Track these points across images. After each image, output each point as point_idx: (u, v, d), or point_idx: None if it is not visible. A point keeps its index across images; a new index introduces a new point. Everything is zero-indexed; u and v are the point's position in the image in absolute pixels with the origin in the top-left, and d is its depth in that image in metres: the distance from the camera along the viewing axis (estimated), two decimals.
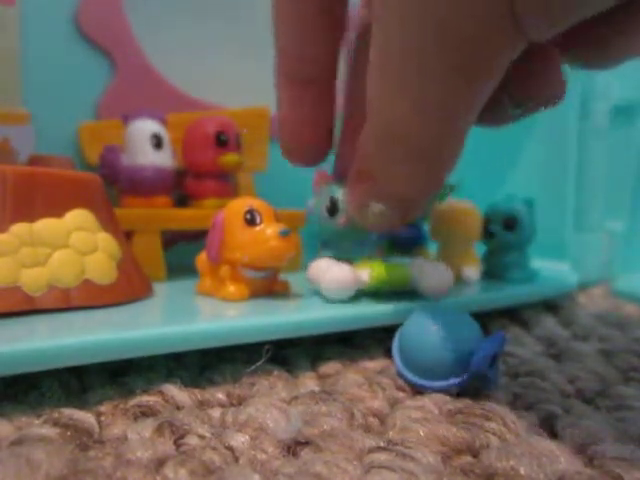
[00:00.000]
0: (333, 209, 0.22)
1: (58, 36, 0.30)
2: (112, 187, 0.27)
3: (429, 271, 0.22)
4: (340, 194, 0.22)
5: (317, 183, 0.23)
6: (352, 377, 0.18)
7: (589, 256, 0.37)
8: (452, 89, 0.15)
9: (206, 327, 0.17)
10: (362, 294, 0.22)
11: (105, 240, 0.20)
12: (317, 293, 0.22)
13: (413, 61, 0.15)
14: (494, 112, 0.19)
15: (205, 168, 0.28)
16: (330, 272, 0.21)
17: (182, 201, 0.30)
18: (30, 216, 0.19)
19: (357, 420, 0.15)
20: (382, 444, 0.14)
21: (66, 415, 0.14)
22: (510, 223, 0.27)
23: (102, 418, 0.15)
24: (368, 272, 0.21)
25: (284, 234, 0.21)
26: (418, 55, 0.15)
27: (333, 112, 0.22)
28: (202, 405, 0.16)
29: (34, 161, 0.25)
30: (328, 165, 0.23)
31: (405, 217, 0.19)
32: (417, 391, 0.18)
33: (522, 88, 0.18)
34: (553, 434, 0.15)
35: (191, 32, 0.34)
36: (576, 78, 0.35)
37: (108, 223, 0.21)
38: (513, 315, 0.27)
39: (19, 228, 0.18)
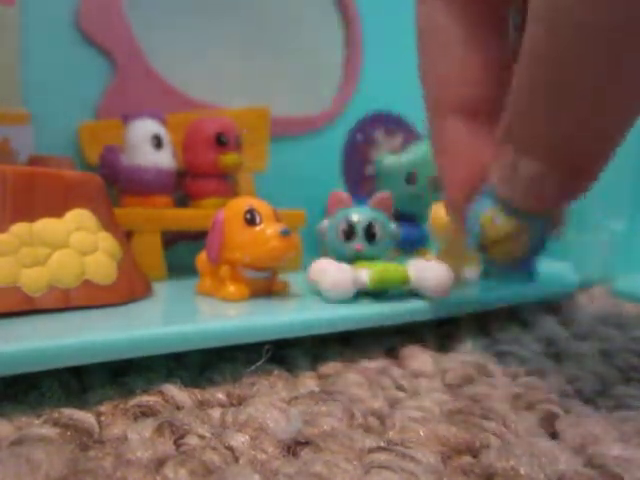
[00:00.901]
0: (350, 233, 0.22)
1: (58, 36, 0.30)
2: (112, 187, 0.27)
3: (429, 271, 0.22)
4: (357, 218, 0.22)
5: (332, 205, 0.23)
6: (352, 377, 0.18)
7: (589, 256, 0.37)
8: None
9: (206, 327, 0.17)
10: (362, 294, 0.22)
11: (105, 240, 0.20)
12: (317, 294, 0.22)
13: None
14: None
15: (205, 168, 0.28)
16: (330, 273, 0.21)
17: (182, 201, 0.30)
18: (30, 216, 0.19)
19: (357, 420, 0.15)
20: (382, 444, 0.14)
21: (66, 415, 0.14)
22: None
23: (102, 418, 0.15)
24: (368, 273, 0.21)
25: (284, 234, 0.21)
26: None
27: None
28: (202, 405, 0.16)
29: (34, 161, 0.25)
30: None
31: (576, 181, 0.15)
32: (417, 391, 0.18)
33: None
34: (553, 434, 0.15)
35: (191, 32, 0.34)
36: None
37: (108, 223, 0.21)
38: (513, 315, 0.27)
39: (19, 228, 0.18)
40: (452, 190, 0.19)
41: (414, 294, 0.22)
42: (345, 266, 0.21)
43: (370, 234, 0.22)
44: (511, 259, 0.18)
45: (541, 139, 0.15)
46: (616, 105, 0.14)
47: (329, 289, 0.21)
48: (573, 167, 0.15)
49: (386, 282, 0.21)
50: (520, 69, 0.15)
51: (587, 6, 0.13)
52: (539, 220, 0.17)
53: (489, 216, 0.18)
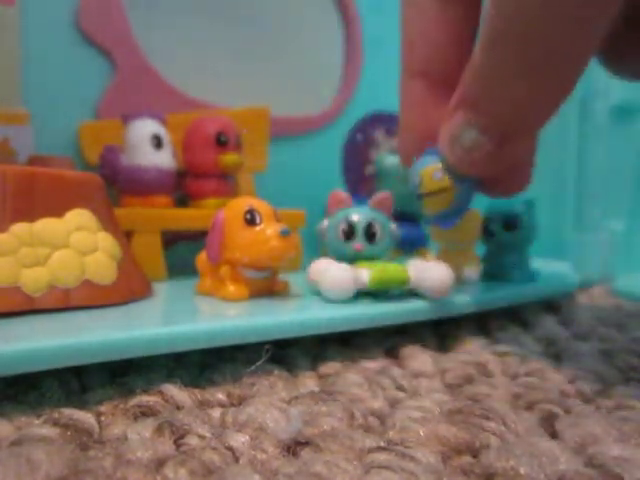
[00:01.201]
0: (350, 233, 0.22)
1: (58, 36, 0.30)
2: (112, 187, 0.27)
3: (429, 272, 0.22)
4: (357, 217, 0.22)
5: (332, 205, 0.23)
6: (352, 377, 0.18)
7: (589, 256, 0.37)
8: None
9: (206, 327, 0.17)
10: (362, 295, 0.22)
11: (105, 240, 0.20)
12: (317, 294, 0.22)
13: None
14: None
15: (205, 168, 0.28)
16: (330, 273, 0.21)
17: (182, 201, 0.30)
18: (30, 216, 0.19)
19: (357, 420, 0.15)
20: (382, 444, 0.14)
21: (66, 415, 0.14)
22: (510, 223, 0.27)
23: (102, 418, 0.15)
24: (368, 273, 0.21)
25: (284, 234, 0.21)
26: None
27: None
28: (202, 405, 0.16)
29: (34, 161, 0.25)
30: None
31: (501, 150, 0.17)
32: (417, 391, 0.18)
33: None
34: (553, 434, 0.15)
35: (191, 32, 0.34)
36: None
37: (108, 223, 0.21)
38: (513, 315, 0.27)
39: (19, 228, 0.18)
40: (405, 142, 0.22)
41: (414, 294, 0.22)
42: (345, 266, 0.21)
43: (370, 234, 0.22)
44: (438, 211, 0.21)
45: (490, 106, 0.17)
46: (565, 74, 0.15)
47: (330, 289, 0.21)
48: (503, 138, 0.17)
49: (386, 282, 0.21)
50: (484, 30, 0.16)
51: None
52: (467, 182, 0.20)
53: (429, 170, 0.21)
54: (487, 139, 0.17)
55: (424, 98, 0.21)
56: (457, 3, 0.20)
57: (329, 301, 0.21)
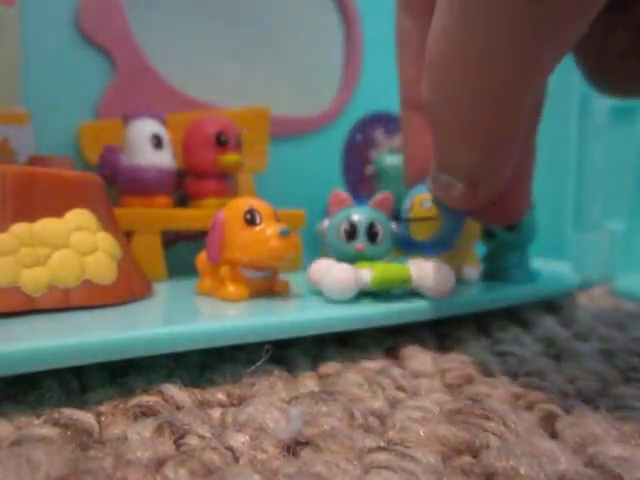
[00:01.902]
0: (352, 233, 0.22)
1: (58, 36, 0.30)
2: (112, 187, 0.27)
3: (431, 271, 0.22)
4: (358, 217, 0.22)
5: (333, 205, 0.23)
6: (352, 377, 0.18)
7: (589, 256, 0.37)
8: (530, 27, 0.13)
9: (206, 327, 0.17)
10: (363, 294, 0.22)
11: (105, 240, 0.20)
12: (318, 294, 0.22)
13: None
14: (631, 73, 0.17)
15: (205, 168, 0.28)
16: (332, 273, 0.21)
17: (182, 201, 0.30)
18: (30, 216, 0.19)
19: (357, 420, 0.15)
20: (382, 444, 0.14)
21: (66, 415, 0.14)
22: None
23: (102, 418, 0.15)
24: (369, 273, 0.21)
25: (284, 234, 0.21)
26: None
27: None
28: (202, 405, 0.16)
29: (34, 161, 0.25)
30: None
31: (475, 191, 0.18)
32: (417, 391, 0.18)
33: None
34: (553, 434, 0.15)
35: (191, 32, 0.34)
36: (576, 78, 0.35)
37: (108, 223, 0.21)
38: (513, 315, 0.27)
39: (19, 228, 0.18)
40: (412, 173, 0.23)
41: (414, 294, 0.22)
42: (347, 266, 0.21)
43: (372, 234, 0.22)
44: (425, 237, 0.23)
45: (450, 163, 0.18)
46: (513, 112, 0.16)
47: (332, 289, 0.21)
48: (473, 182, 0.18)
49: (388, 282, 0.21)
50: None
51: None
52: (453, 214, 0.22)
53: (420, 198, 0.22)
54: (459, 182, 0.18)
55: (423, 130, 0.22)
56: None
57: (330, 301, 0.21)
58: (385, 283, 0.21)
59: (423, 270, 0.22)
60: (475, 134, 0.16)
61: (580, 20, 0.13)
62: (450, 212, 0.22)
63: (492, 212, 0.20)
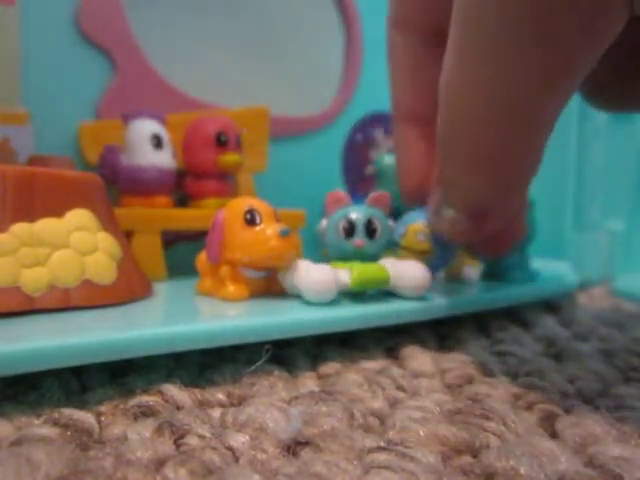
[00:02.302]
0: (350, 230, 0.22)
1: (58, 36, 0.30)
2: (112, 187, 0.27)
3: (407, 271, 0.22)
4: (356, 214, 0.22)
5: (330, 204, 0.23)
6: (352, 377, 0.18)
7: (589, 256, 0.37)
8: (535, 75, 0.13)
9: (206, 327, 0.17)
10: (345, 295, 0.22)
11: (105, 240, 0.20)
12: (297, 296, 0.22)
13: (489, 29, 0.13)
14: (628, 92, 0.18)
15: (205, 168, 0.28)
16: (311, 274, 0.21)
17: (182, 201, 0.30)
18: (30, 216, 0.19)
19: (357, 420, 0.15)
20: (382, 444, 0.14)
21: (66, 415, 0.14)
22: None
23: (102, 418, 0.15)
24: (349, 273, 0.21)
25: (284, 234, 0.21)
26: (497, 23, 0.12)
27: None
28: (202, 405, 0.16)
29: (34, 161, 0.25)
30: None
31: (480, 226, 0.18)
32: (417, 391, 0.18)
33: None
34: (553, 434, 0.15)
35: (191, 32, 0.34)
36: None
37: (108, 223, 0.21)
38: (513, 315, 0.27)
39: (19, 228, 0.18)
40: (405, 185, 0.23)
41: (389, 293, 0.22)
42: (326, 267, 0.21)
43: (370, 230, 0.22)
44: None
45: (457, 195, 0.18)
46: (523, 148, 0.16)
47: (310, 289, 0.21)
48: (479, 217, 0.18)
49: (368, 282, 0.21)
50: (437, 128, 0.17)
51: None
52: (446, 249, 0.23)
53: (415, 228, 0.23)
54: (464, 218, 0.18)
55: (417, 142, 0.22)
56: (443, 46, 0.20)
57: (311, 302, 0.21)
58: (365, 283, 0.21)
59: (399, 270, 0.22)
60: (488, 170, 0.16)
61: (583, 66, 0.13)
62: (443, 247, 0.23)
63: (489, 244, 0.21)
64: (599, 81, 0.18)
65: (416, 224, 0.23)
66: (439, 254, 0.23)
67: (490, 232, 0.19)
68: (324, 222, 0.23)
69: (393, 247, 0.24)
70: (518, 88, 0.14)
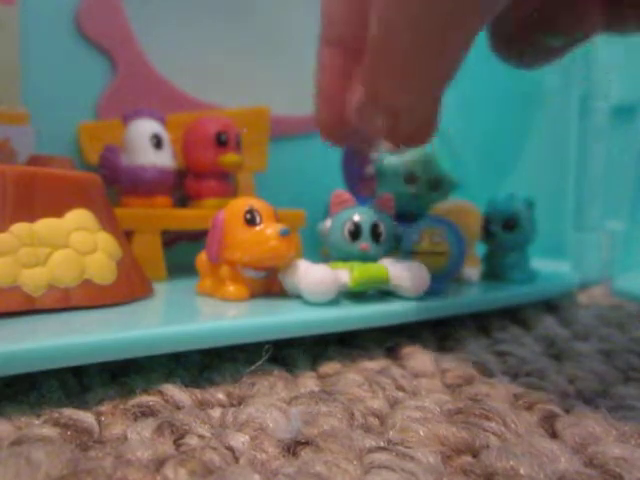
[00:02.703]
0: (356, 233, 0.22)
1: (58, 36, 0.30)
2: (112, 187, 0.27)
3: (407, 271, 0.22)
4: (362, 218, 0.22)
5: (335, 205, 0.23)
6: (352, 377, 0.18)
7: (589, 256, 0.37)
8: None
9: (206, 327, 0.17)
10: (345, 295, 0.22)
11: (105, 240, 0.20)
12: (297, 297, 0.22)
13: None
14: (524, 40, 0.18)
15: (205, 168, 0.28)
16: (311, 274, 0.21)
17: (182, 201, 0.30)
18: (30, 216, 0.19)
19: (357, 420, 0.15)
20: (382, 444, 0.14)
21: (66, 415, 0.14)
22: (510, 223, 0.27)
23: (102, 418, 0.15)
24: (349, 273, 0.21)
25: (284, 234, 0.21)
26: None
27: None
28: (202, 405, 0.16)
29: (34, 161, 0.25)
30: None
31: (395, 126, 0.19)
32: (417, 391, 0.18)
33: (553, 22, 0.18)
34: (553, 434, 0.15)
35: (191, 32, 0.34)
36: (576, 78, 0.35)
37: (108, 223, 0.21)
38: (513, 315, 0.27)
39: (19, 228, 0.18)
40: (325, 113, 0.21)
41: (390, 293, 0.22)
42: (325, 267, 0.21)
43: (376, 234, 0.22)
44: (433, 271, 0.22)
45: (384, 98, 0.18)
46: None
47: (310, 290, 0.21)
48: (397, 117, 0.18)
49: (368, 282, 0.21)
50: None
51: None
52: (460, 244, 0.23)
53: (429, 232, 0.23)
54: (385, 116, 0.18)
55: (344, 68, 0.21)
56: None
57: (311, 303, 0.21)
58: (365, 283, 0.21)
59: (399, 270, 0.22)
60: (414, 76, 0.17)
61: None
62: (457, 242, 0.23)
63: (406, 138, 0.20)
64: (504, 31, 0.19)
65: (429, 228, 0.23)
66: (455, 254, 0.23)
67: (406, 133, 0.19)
68: (327, 222, 0.23)
69: (405, 255, 0.24)
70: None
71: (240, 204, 0.22)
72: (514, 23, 0.19)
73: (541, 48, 0.19)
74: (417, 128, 0.20)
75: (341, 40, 0.21)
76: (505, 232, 0.27)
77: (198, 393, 0.16)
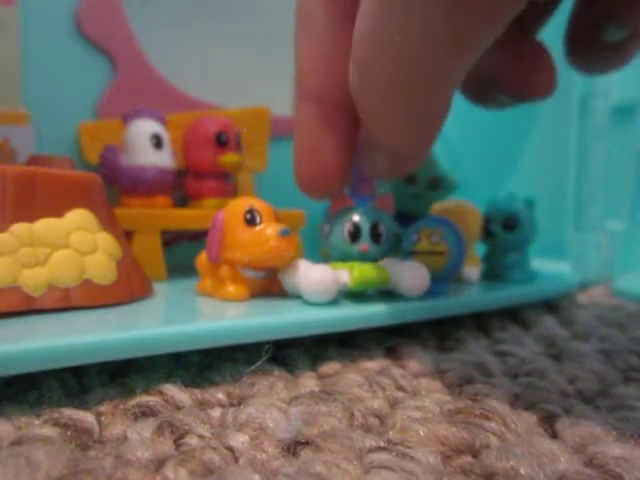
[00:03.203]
0: (356, 234, 0.22)
1: (58, 36, 0.30)
2: (112, 187, 0.27)
3: (404, 271, 0.22)
4: (362, 218, 0.22)
5: (335, 205, 0.23)
6: (352, 377, 0.18)
7: (589, 256, 0.37)
8: (450, 29, 0.14)
9: (206, 327, 0.17)
10: (345, 295, 0.22)
11: (105, 240, 0.20)
12: (296, 297, 0.22)
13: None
14: (484, 93, 0.19)
15: (205, 168, 0.28)
16: (311, 274, 0.21)
17: (182, 201, 0.30)
18: (30, 216, 0.19)
19: (357, 420, 0.15)
20: (382, 444, 0.14)
21: (66, 415, 0.14)
22: (510, 223, 0.27)
23: (102, 418, 0.15)
24: (348, 273, 0.21)
25: (284, 234, 0.21)
26: None
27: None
28: (202, 405, 0.16)
29: (34, 161, 0.25)
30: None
31: (396, 168, 0.19)
32: (417, 391, 0.18)
33: (512, 79, 0.19)
34: (553, 434, 0.15)
35: (191, 32, 0.34)
36: (576, 78, 0.35)
37: (108, 223, 0.21)
38: (513, 315, 0.27)
39: (19, 228, 0.18)
40: (302, 167, 0.21)
41: (390, 293, 0.22)
42: (326, 267, 0.21)
43: (376, 235, 0.22)
44: (432, 271, 0.22)
45: (379, 143, 0.19)
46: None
47: (311, 291, 0.21)
48: (395, 158, 0.19)
49: (368, 282, 0.21)
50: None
51: None
52: (459, 244, 0.23)
53: (427, 232, 0.23)
54: (384, 158, 0.19)
55: (325, 120, 0.20)
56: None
57: (311, 303, 0.21)
58: (365, 284, 0.21)
59: (399, 270, 0.22)
60: (398, 122, 0.17)
61: (487, 39, 0.14)
62: (457, 242, 0.23)
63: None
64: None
65: (427, 228, 0.23)
66: (454, 254, 0.23)
67: (408, 169, 0.20)
68: (327, 227, 0.23)
69: (405, 255, 0.24)
70: (426, 51, 0.15)
71: (240, 204, 0.22)
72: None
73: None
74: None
75: (316, 94, 0.20)
76: (505, 232, 0.27)
77: (198, 393, 0.16)
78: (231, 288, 0.21)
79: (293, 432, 0.14)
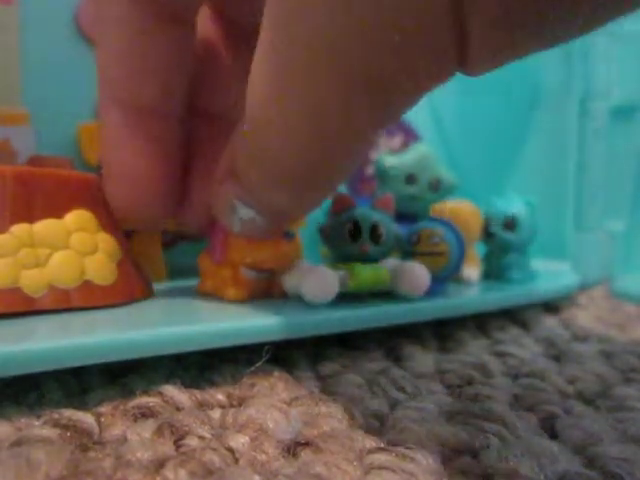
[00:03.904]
0: (356, 234, 0.22)
1: (58, 36, 0.30)
2: None
3: (404, 271, 0.22)
4: (362, 218, 0.22)
5: (335, 206, 0.23)
6: (352, 378, 0.18)
7: (589, 256, 0.37)
8: (353, 104, 0.12)
9: (206, 327, 0.17)
10: (345, 296, 0.22)
11: (105, 241, 0.20)
12: (297, 297, 0.21)
13: (304, 61, 0.12)
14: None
15: None
16: (311, 275, 0.21)
17: None
18: (30, 217, 0.19)
19: (357, 421, 0.15)
20: (382, 445, 0.14)
21: (66, 416, 0.14)
22: (510, 223, 0.27)
23: (102, 419, 0.15)
24: (349, 274, 0.21)
25: (288, 236, 0.21)
26: (314, 56, 0.12)
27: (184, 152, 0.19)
28: (202, 406, 0.16)
29: (34, 161, 0.25)
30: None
31: (278, 227, 0.19)
32: (417, 392, 0.18)
33: None
34: (553, 434, 0.15)
35: None
36: (576, 78, 0.35)
37: (108, 223, 0.21)
38: (513, 315, 0.27)
39: (19, 229, 0.18)
40: (118, 189, 0.20)
41: (390, 294, 0.22)
42: (326, 268, 0.21)
43: (376, 235, 0.22)
44: (432, 272, 0.22)
45: (261, 200, 0.17)
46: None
47: (311, 291, 0.20)
48: (279, 217, 0.18)
49: (368, 283, 0.21)
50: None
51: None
52: (459, 245, 0.23)
53: (427, 233, 0.23)
54: (263, 218, 0.18)
55: (126, 132, 0.19)
56: (176, 24, 0.18)
57: (311, 304, 0.21)
58: (365, 284, 0.21)
59: (399, 270, 0.22)
60: (293, 185, 0.16)
61: (403, 107, 0.13)
62: (457, 243, 0.23)
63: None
64: None
65: (427, 229, 0.23)
66: (454, 255, 0.23)
67: (285, 226, 0.19)
68: (328, 223, 0.23)
69: (405, 255, 0.24)
70: (333, 119, 0.13)
71: None
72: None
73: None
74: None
75: (128, 101, 0.18)
76: (505, 232, 0.27)
77: (198, 394, 0.16)
78: (232, 289, 0.21)
79: (293, 433, 0.14)
